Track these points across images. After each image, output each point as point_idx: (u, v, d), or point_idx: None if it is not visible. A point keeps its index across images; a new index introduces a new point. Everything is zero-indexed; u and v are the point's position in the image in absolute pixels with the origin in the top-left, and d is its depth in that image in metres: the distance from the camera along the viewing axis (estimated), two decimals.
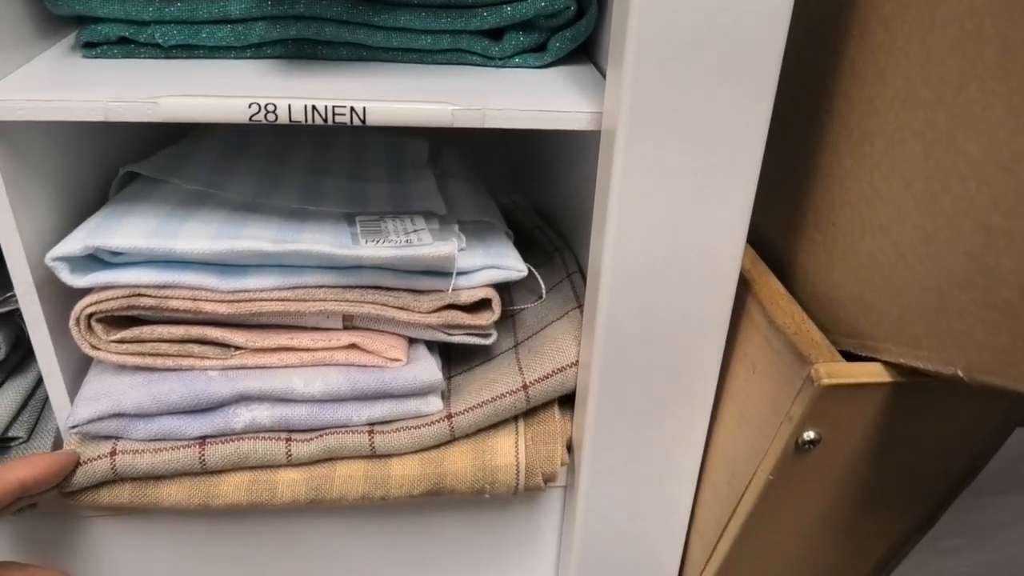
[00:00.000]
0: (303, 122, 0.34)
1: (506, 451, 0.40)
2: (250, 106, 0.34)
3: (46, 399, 0.40)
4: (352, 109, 0.34)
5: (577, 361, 0.40)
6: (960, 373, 0.26)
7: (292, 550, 0.45)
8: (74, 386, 0.39)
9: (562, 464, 0.41)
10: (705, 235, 0.34)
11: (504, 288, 0.48)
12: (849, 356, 0.32)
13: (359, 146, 0.54)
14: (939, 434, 0.32)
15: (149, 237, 0.36)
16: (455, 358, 0.44)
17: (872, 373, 0.30)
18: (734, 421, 0.37)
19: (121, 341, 0.37)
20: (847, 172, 0.32)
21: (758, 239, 0.39)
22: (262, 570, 0.45)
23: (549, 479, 0.40)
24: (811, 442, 0.32)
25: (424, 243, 0.38)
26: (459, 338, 0.40)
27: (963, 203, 0.26)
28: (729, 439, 0.38)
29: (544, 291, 0.45)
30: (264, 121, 0.34)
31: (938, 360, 0.27)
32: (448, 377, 0.43)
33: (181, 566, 0.44)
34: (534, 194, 0.60)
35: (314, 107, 0.34)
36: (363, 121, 0.34)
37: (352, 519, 0.44)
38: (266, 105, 0.34)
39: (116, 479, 0.38)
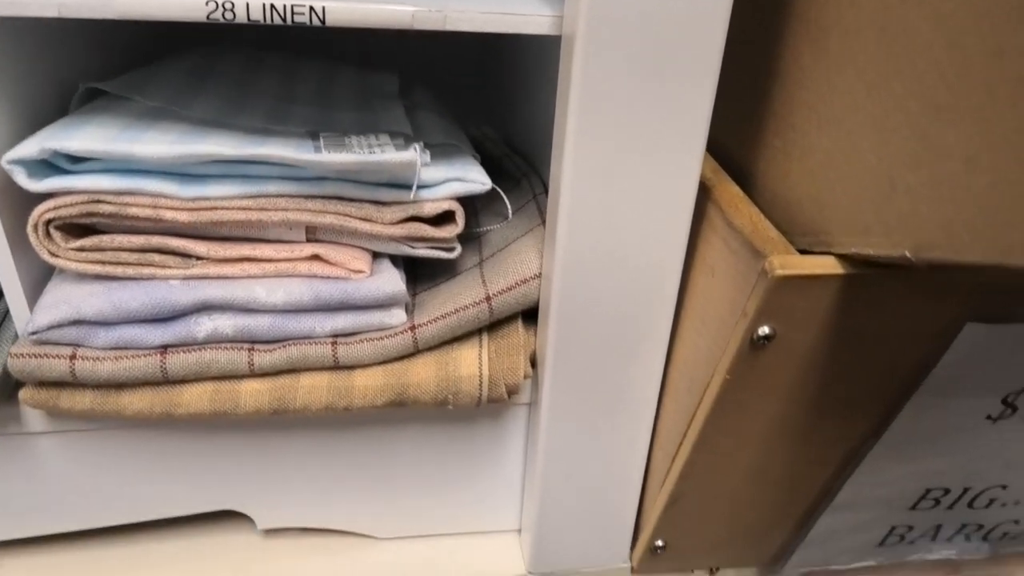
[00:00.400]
0: (261, 21, 0.34)
1: (469, 363, 0.40)
2: (207, 3, 0.33)
3: (6, 311, 0.40)
4: (311, 9, 0.34)
5: (540, 274, 0.40)
6: (908, 254, 0.27)
7: (257, 465, 0.45)
8: (34, 296, 0.39)
9: (525, 377, 0.41)
10: (665, 140, 0.34)
11: (471, 211, 0.48)
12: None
13: (328, 78, 0.53)
14: (891, 330, 0.33)
15: (108, 142, 0.36)
16: (420, 277, 0.44)
17: (825, 265, 0.30)
18: (693, 327, 0.38)
19: (81, 249, 0.37)
20: (805, 72, 0.33)
21: (721, 153, 0.39)
22: (226, 486, 0.45)
23: (512, 391, 0.41)
24: (766, 338, 0.32)
25: (387, 153, 0.38)
26: (423, 251, 0.40)
27: (912, 84, 0.26)
28: (689, 346, 0.38)
29: (510, 212, 0.45)
30: (221, 20, 0.34)
31: (887, 244, 0.28)
32: (413, 294, 0.43)
33: (142, 482, 0.44)
34: (504, 131, 0.60)
35: (272, 6, 0.34)
36: (322, 21, 0.34)
37: (318, 433, 0.44)
38: (223, 3, 0.33)
39: (76, 384, 0.38)
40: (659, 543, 0.45)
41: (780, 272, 0.30)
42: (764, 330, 0.32)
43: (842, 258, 0.31)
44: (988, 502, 0.43)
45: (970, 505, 0.43)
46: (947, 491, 0.41)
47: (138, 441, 0.43)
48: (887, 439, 0.38)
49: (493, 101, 0.66)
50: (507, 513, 0.49)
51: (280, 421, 0.43)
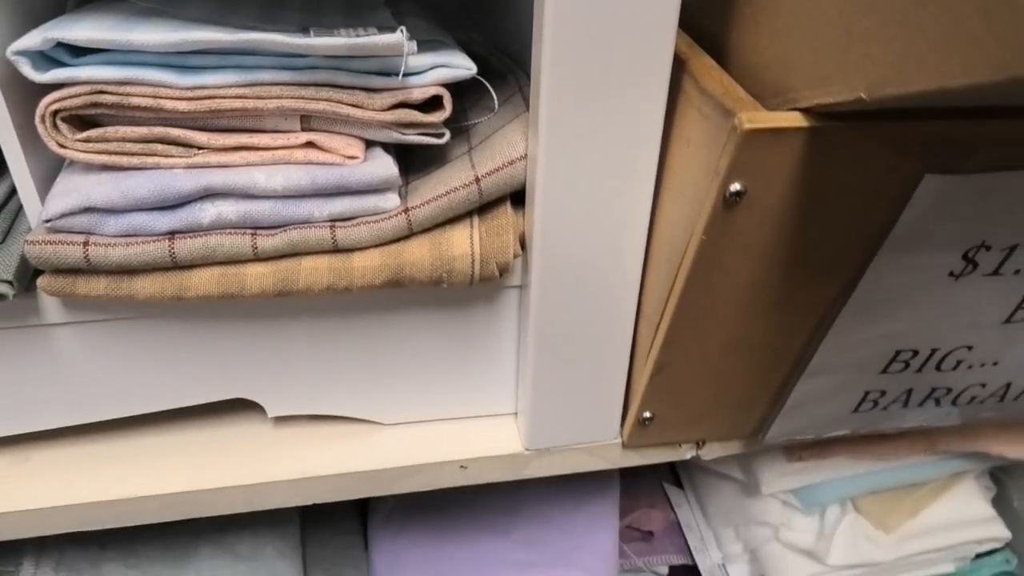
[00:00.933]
0: None
1: (461, 242, 0.42)
2: None
3: (19, 208, 0.42)
4: None
5: (526, 155, 0.42)
6: (863, 95, 0.29)
7: (266, 354, 0.47)
8: (44, 190, 0.41)
9: (515, 256, 0.43)
10: (637, 21, 0.36)
11: (459, 108, 0.50)
12: None
13: None
14: (854, 185, 0.35)
15: (107, 31, 0.37)
16: (412, 168, 0.46)
17: (790, 119, 0.32)
18: (672, 199, 0.40)
19: (87, 140, 0.39)
20: None
21: (696, 29, 0.41)
22: (237, 375, 0.48)
23: (503, 269, 0.43)
24: (737, 194, 0.34)
25: (373, 36, 0.39)
26: (413, 137, 0.42)
27: None
28: (668, 218, 0.40)
29: (496, 103, 0.47)
30: None
31: (845, 90, 0.30)
32: (406, 183, 0.45)
33: (157, 373, 0.47)
34: (492, 40, 0.61)
35: None
36: None
37: (323, 321, 0.46)
38: None
39: (90, 270, 0.40)
40: (647, 415, 0.47)
41: (748, 126, 0.32)
42: (735, 187, 0.34)
43: (806, 113, 0.32)
44: (955, 364, 0.45)
45: (938, 367, 0.45)
46: (915, 353, 0.44)
47: (152, 332, 0.45)
48: (855, 300, 0.40)
49: (481, 16, 0.67)
50: (503, 397, 0.52)
51: (286, 310, 0.46)
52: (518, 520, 0.65)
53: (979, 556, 0.70)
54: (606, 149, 0.39)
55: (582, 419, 0.50)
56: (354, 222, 0.42)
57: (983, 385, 0.47)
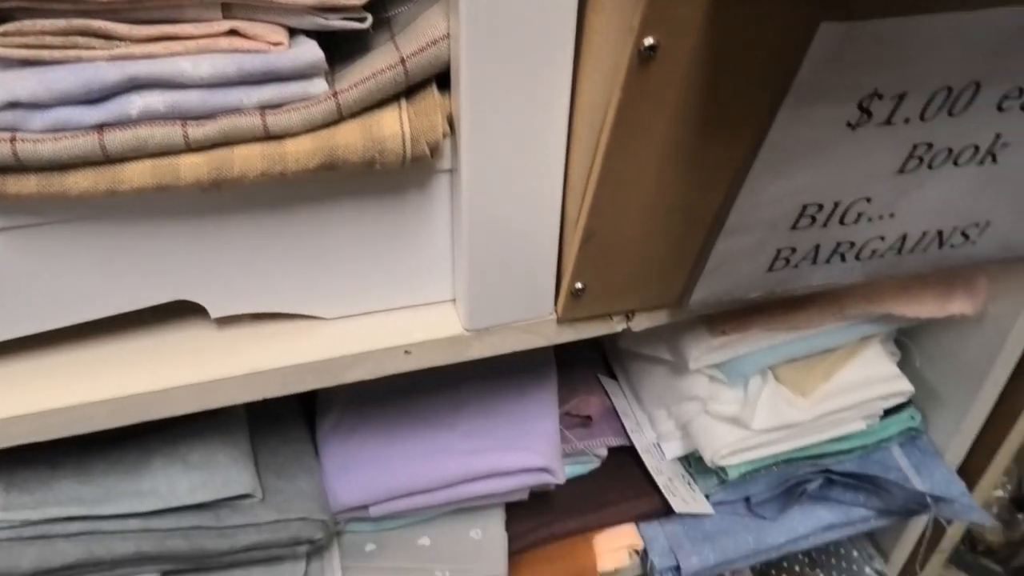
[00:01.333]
0: None
1: (391, 123, 0.43)
2: None
3: None
4: None
5: (448, 35, 0.43)
6: None
7: (205, 254, 0.48)
8: None
9: (444, 136, 0.45)
10: None
11: (380, 4, 0.51)
12: None
13: None
14: (758, 37, 0.37)
15: None
16: (337, 59, 0.47)
17: None
18: (591, 66, 0.42)
19: (4, 35, 0.39)
20: None
21: None
22: (177, 277, 0.49)
23: (433, 148, 0.44)
24: (651, 48, 0.36)
25: None
26: (336, 23, 0.43)
27: None
28: (587, 88, 0.42)
29: None
30: None
31: None
32: (332, 72, 0.45)
33: (94, 278, 0.47)
34: None
35: None
36: None
37: (259, 216, 0.47)
38: None
39: (20, 168, 0.40)
40: (578, 286, 0.50)
41: None
42: (649, 40, 0.36)
43: None
44: (856, 217, 0.49)
45: (841, 221, 0.49)
46: (820, 207, 0.47)
47: (88, 235, 0.45)
48: (763, 156, 0.43)
49: None
50: (442, 284, 0.54)
51: (223, 207, 0.46)
52: (463, 413, 0.68)
53: (887, 414, 0.76)
54: (524, 22, 0.41)
55: (518, 297, 0.52)
56: (284, 108, 0.42)
57: (882, 238, 0.52)
